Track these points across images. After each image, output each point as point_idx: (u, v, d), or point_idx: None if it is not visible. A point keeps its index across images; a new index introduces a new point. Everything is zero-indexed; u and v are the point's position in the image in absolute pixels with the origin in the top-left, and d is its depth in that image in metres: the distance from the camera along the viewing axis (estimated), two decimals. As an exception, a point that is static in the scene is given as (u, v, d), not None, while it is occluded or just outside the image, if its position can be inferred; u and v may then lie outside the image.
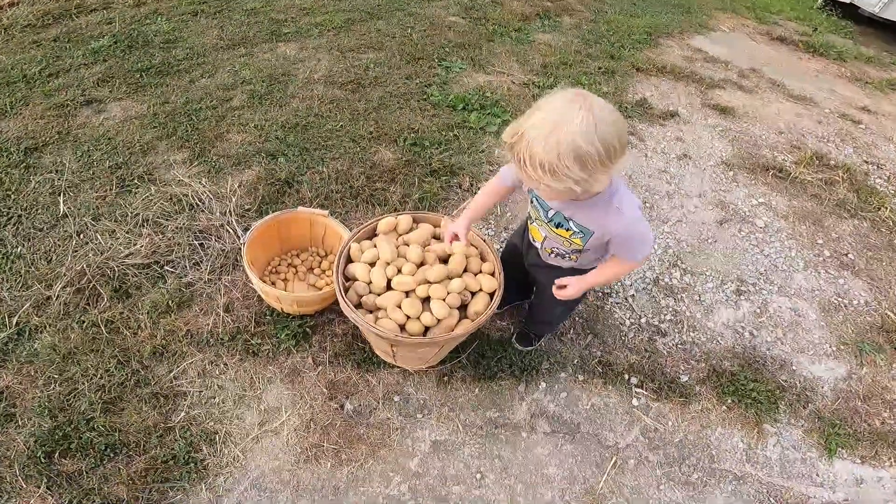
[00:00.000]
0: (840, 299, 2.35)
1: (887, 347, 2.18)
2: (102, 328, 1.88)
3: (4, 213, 2.17)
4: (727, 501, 1.72)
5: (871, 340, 2.20)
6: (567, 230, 1.33)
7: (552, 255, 1.50)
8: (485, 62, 3.47)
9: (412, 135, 2.74)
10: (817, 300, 2.33)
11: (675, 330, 2.14)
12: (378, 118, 2.85)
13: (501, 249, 2.00)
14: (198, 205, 2.28)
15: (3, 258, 2.03)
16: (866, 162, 3.18)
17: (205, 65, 3.11)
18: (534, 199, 1.40)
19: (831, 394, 2.02)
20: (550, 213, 1.35)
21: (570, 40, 3.91)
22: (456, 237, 1.58)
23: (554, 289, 1.47)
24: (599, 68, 3.58)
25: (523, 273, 1.74)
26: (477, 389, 1.87)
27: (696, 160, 2.97)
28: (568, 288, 1.45)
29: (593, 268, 1.48)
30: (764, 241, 2.56)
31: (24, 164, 2.35)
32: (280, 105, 2.87)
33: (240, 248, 2.12)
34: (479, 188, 2.52)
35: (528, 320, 1.98)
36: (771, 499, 1.74)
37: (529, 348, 1.98)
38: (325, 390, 1.81)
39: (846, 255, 2.54)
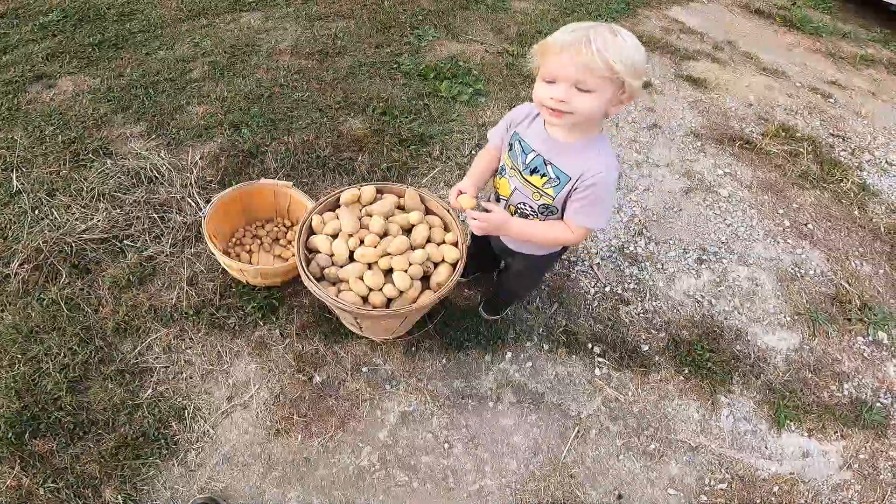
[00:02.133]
0: (797, 269, 2.39)
1: (840, 318, 2.22)
2: (63, 306, 1.85)
3: (-45, 191, 2.09)
4: (681, 472, 1.77)
5: (824, 311, 2.24)
6: (542, 176, 1.30)
7: (515, 216, 1.43)
8: (458, 31, 3.40)
9: (381, 104, 2.69)
10: (775, 270, 2.37)
11: (638, 298, 2.17)
12: (346, 88, 2.79)
13: None
14: (157, 178, 2.22)
15: None
16: (832, 135, 3.22)
17: (162, 37, 3.00)
18: (515, 142, 1.36)
19: (783, 364, 2.05)
20: (529, 158, 1.31)
21: (546, 8, 3.84)
22: (461, 193, 1.45)
23: (472, 222, 1.36)
24: (573, 38, 3.54)
25: (491, 254, 1.72)
26: (444, 360, 1.88)
27: (666, 130, 2.98)
28: (479, 220, 1.34)
29: (545, 255, 1.49)
30: (727, 210, 2.59)
31: (-27, 140, 2.26)
32: (243, 76, 2.78)
33: (202, 221, 2.07)
34: (448, 156, 2.50)
35: (496, 291, 1.99)
36: (723, 470, 1.79)
37: (495, 317, 1.99)
38: (293, 363, 1.80)
39: (805, 224, 2.59)
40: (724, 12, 4.61)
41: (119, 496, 1.53)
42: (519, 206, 1.41)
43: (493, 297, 1.99)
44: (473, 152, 2.56)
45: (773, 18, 4.64)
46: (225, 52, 2.91)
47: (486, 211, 1.36)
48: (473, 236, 1.77)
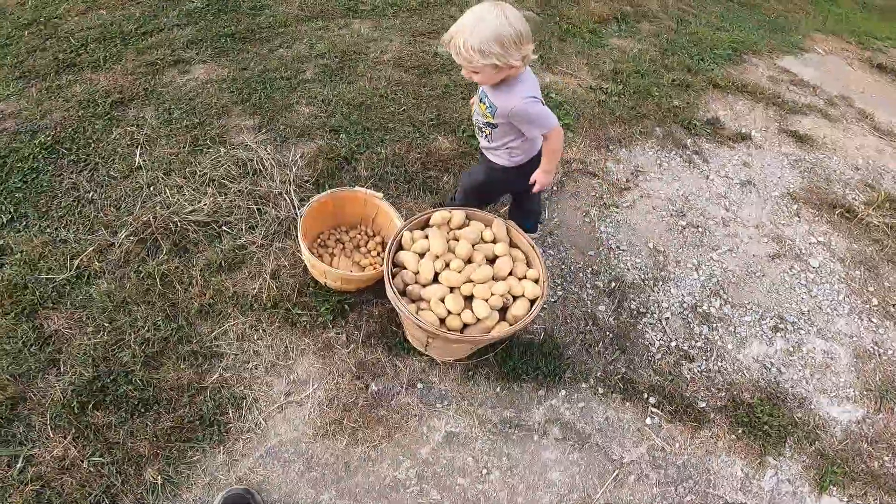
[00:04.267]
0: (876, 347, 2.27)
1: (909, 397, 2.12)
2: (157, 280, 1.97)
3: (84, 160, 2.34)
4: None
5: (895, 389, 2.14)
6: (484, 104, 1.74)
7: (476, 129, 1.89)
8: (553, 62, 3.42)
9: (472, 127, 2.77)
10: (853, 346, 2.26)
11: (703, 357, 2.12)
12: (440, 106, 2.89)
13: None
14: (261, 171, 2.40)
15: (74, 202, 2.19)
16: (944, 213, 2.98)
17: (284, 35, 3.23)
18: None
19: (841, 434, 1.99)
20: (480, 91, 1.77)
21: (646, 48, 3.79)
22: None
23: (535, 189, 1.85)
24: (673, 80, 3.47)
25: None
26: (498, 388, 1.93)
27: (761, 189, 2.86)
28: (538, 181, 1.82)
29: (507, 148, 1.83)
30: (814, 281, 2.47)
31: (109, 115, 2.54)
32: (349, 82, 2.95)
33: (294, 218, 2.23)
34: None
35: (525, 217, 2.19)
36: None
37: (535, 234, 2.31)
38: (353, 369, 1.88)
39: (894, 305, 2.43)
40: (841, 65, 4.35)
41: (159, 477, 1.59)
42: (476, 120, 1.85)
43: (524, 221, 2.11)
44: (556, 188, 2.59)
45: (897, 77, 4.32)
46: (336, 57, 3.10)
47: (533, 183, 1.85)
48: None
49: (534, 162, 1.85)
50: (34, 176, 2.25)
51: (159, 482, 1.58)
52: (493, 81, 1.63)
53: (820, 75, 4.07)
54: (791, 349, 2.20)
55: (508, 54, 1.51)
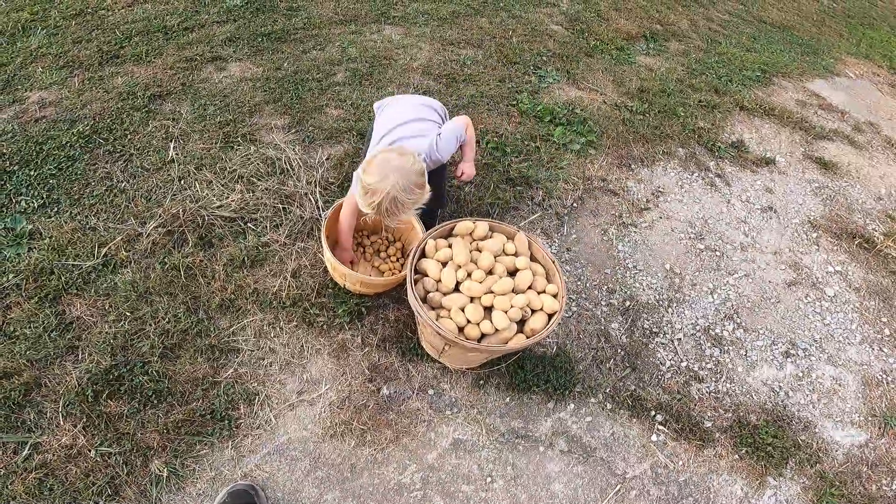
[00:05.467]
0: (885, 375, 2.29)
1: (913, 424, 2.12)
2: (181, 273, 2.01)
3: (119, 151, 2.41)
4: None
5: None
6: None
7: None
8: (580, 77, 3.45)
9: (496, 139, 2.81)
10: (862, 373, 2.28)
11: (713, 378, 2.15)
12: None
13: None
14: (288, 170, 2.46)
15: (107, 191, 2.25)
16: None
17: (318, 37, 3.30)
18: None
19: (842, 457, 2.02)
20: None
21: (673, 67, 3.79)
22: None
23: (457, 180, 2.01)
24: (700, 101, 3.47)
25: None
26: (508, 398, 1.96)
27: (781, 215, 2.86)
28: (464, 173, 1.97)
29: None
30: (828, 309, 2.48)
31: (147, 108, 2.62)
32: (377, 87, 3.01)
33: (317, 219, 2.29)
34: (551, 204, 2.57)
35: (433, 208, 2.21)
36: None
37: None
38: (366, 371, 1.92)
39: (907, 335, 2.44)
40: (871, 90, 4.31)
41: (166, 469, 1.59)
42: None
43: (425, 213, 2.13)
44: (576, 204, 2.62)
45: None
46: (366, 62, 3.16)
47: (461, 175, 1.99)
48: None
49: None
50: (69, 164, 2.33)
51: (164, 474, 1.59)
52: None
53: (849, 99, 4.04)
54: (801, 374, 2.22)
55: (424, 189, 1.69)
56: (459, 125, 1.89)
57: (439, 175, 2.09)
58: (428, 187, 1.68)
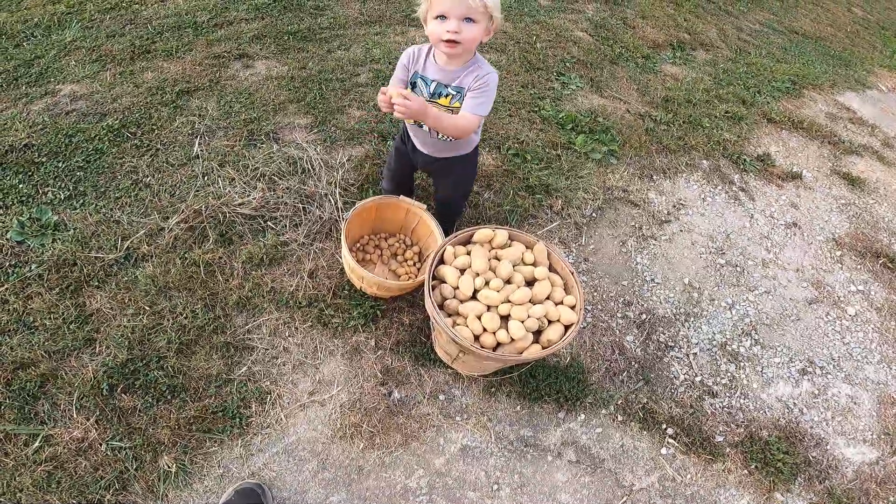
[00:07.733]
0: None
1: (925, 443, 2.09)
2: (201, 269, 2.03)
3: (146, 145, 2.45)
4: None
5: None
6: (446, 96, 1.68)
7: (435, 133, 1.77)
8: (603, 84, 3.42)
9: (516, 145, 2.80)
10: (879, 392, 2.25)
11: (727, 394, 2.13)
12: (487, 121, 2.93)
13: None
14: (309, 170, 2.49)
15: (132, 185, 2.29)
16: None
17: (343, 37, 3.32)
18: (417, 80, 1.71)
19: (851, 474, 1.99)
20: (432, 87, 1.69)
21: (700, 77, 3.74)
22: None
23: (397, 108, 1.52)
24: (726, 112, 3.42)
25: (409, 176, 2.17)
26: (518, 406, 1.96)
27: (805, 232, 2.80)
28: (410, 106, 1.52)
29: (467, 153, 1.87)
30: (848, 329, 2.43)
31: (175, 104, 2.66)
32: (400, 90, 3.01)
33: (336, 220, 2.31)
34: (570, 213, 2.56)
35: (444, 211, 2.19)
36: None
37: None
38: (378, 374, 1.93)
39: (927, 357, 2.39)
40: (904, 105, 4.20)
41: (174, 465, 1.60)
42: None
43: (443, 217, 2.13)
44: (595, 214, 2.59)
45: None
46: (390, 63, 3.17)
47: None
48: (396, 156, 2.06)
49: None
50: (97, 157, 2.37)
51: (173, 470, 1.60)
52: (473, 42, 1.54)
53: (879, 113, 3.95)
54: (816, 391, 2.19)
55: (500, 14, 1.56)
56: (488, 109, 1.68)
57: (467, 180, 2.10)
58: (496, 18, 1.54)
